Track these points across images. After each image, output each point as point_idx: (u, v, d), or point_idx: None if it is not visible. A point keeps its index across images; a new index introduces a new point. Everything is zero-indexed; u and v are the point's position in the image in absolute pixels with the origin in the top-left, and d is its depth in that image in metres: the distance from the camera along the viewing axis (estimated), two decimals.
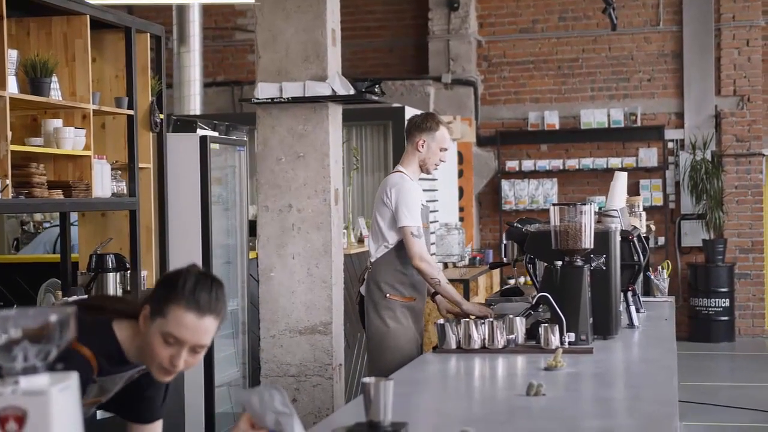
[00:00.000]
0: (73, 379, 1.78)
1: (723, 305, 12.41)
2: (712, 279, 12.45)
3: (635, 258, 5.09)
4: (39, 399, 1.71)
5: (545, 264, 4.60)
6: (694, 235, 12.75)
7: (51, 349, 1.75)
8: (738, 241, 12.75)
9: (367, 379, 2.72)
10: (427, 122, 5.37)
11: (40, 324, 1.74)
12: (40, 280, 6.10)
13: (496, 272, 11.28)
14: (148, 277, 6.00)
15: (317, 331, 5.90)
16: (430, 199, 10.35)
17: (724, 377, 10.72)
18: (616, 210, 5.26)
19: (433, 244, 10.20)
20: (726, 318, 12.45)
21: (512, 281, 12.39)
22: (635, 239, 5.12)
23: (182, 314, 2.56)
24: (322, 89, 5.84)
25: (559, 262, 4.44)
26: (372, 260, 5.35)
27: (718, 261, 12.46)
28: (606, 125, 12.87)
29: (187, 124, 6.60)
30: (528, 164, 13.05)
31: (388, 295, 5.26)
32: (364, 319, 5.43)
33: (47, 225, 9.06)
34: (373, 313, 5.29)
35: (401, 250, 5.26)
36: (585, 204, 4.46)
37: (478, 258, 11.14)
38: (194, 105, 10.91)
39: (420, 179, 5.40)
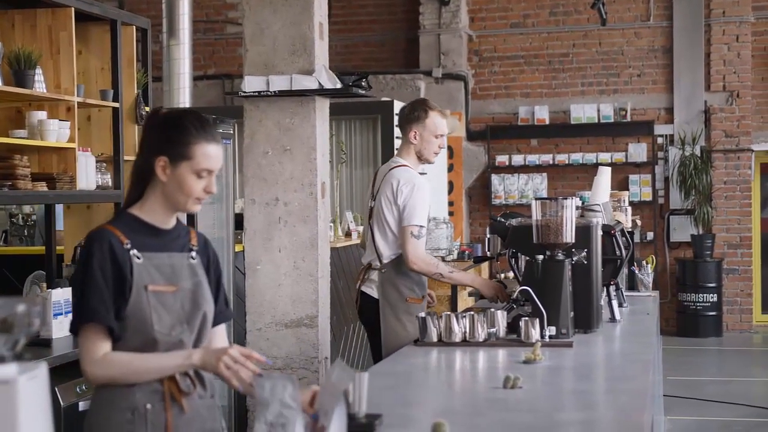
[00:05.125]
0: (41, 368, 1.79)
1: (711, 300, 12.46)
2: (701, 274, 12.49)
3: (617, 252, 5.10)
4: (6, 388, 1.73)
5: (527, 258, 4.61)
6: (682, 230, 12.79)
7: (19, 338, 1.77)
8: (726, 236, 12.79)
9: None
10: (415, 111, 5.23)
11: (7, 314, 1.76)
12: (27, 272, 6.10)
13: (485, 266, 11.30)
14: None
15: (303, 325, 5.90)
16: None
17: (712, 372, 10.77)
18: (599, 204, 5.27)
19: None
20: (714, 313, 12.50)
21: (502, 275, 12.42)
22: (618, 234, 5.13)
23: (207, 149, 2.87)
24: (308, 83, 5.85)
25: (541, 256, 4.45)
26: (384, 260, 5.16)
27: (707, 256, 12.50)
28: (596, 120, 12.91)
29: None
30: (518, 159, 13.08)
31: (408, 299, 5.14)
32: (369, 320, 5.27)
33: (35, 217, 9.05)
34: (391, 317, 5.13)
35: None
36: (566, 198, 4.47)
37: (467, 252, 11.16)
38: (183, 98, 10.83)
39: None
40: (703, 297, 12.45)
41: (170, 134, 2.88)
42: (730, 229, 12.81)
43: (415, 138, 5.22)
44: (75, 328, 2.86)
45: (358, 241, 8.03)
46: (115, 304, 2.81)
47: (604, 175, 5.62)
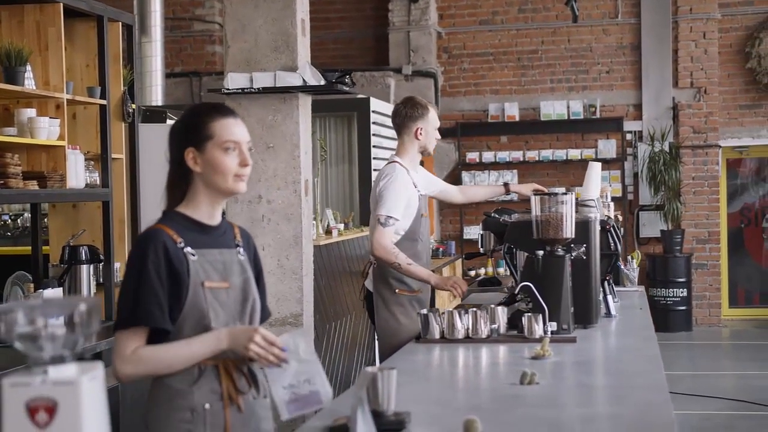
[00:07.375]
0: (99, 368, 1.76)
1: (681, 295, 12.56)
2: (670, 269, 12.59)
3: (612, 247, 5.12)
4: (69, 389, 1.69)
5: (526, 254, 4.60)
6: (652, 225, 12.88)
7: (78, 338, 1.73)
8: (695, 231, 12.90)
9: (370, 369, 2.72)
10: (417, 110, 5.40)
11: (68, 313, 1.72)
12: (10, 272, 6.00)
13: (459, 263, 11.32)
14: (122, 269, 5.93)
15: (288, 323, 5.88)
16: None
17: (684, 366, 10.84)
18: (593, 200, 5.28)
19: None
20: (683, 308, 12.60)
21: (472, 272, 12.45)
22: (612, 228, 5.15)
23: (224, 122, 2.89)
24: (292, 79, 5.82)
25: (541, 252, 4.44)
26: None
27: (676, 251, 12.60)
28: (565, 117, 12.94)
29: (156, 115, 6.55)
30: (488, 156, 13.10)
31: (397, 290, 5.21)
32: (372, 314, 5.33)
33: (6, 217, 8.94)
34: (383, 310, 5.22)
35: (405, 242, 5.18)
36: (566, 193, 4.47)
37: (441, 249, 11.18)
38: (156, 96, 10.77)
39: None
40: (672, 292, 12.55)
41: (187, 126, 2.92)
42: (698, 224, 12.92)
43: (420, 134, 5.36)
44: (122, 327, 2.80)
45: (340, 239, 8.01)
46: (168, 305, 2.79)
47: (595, 170, 5.63)
